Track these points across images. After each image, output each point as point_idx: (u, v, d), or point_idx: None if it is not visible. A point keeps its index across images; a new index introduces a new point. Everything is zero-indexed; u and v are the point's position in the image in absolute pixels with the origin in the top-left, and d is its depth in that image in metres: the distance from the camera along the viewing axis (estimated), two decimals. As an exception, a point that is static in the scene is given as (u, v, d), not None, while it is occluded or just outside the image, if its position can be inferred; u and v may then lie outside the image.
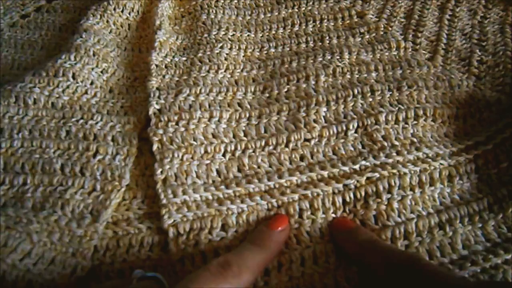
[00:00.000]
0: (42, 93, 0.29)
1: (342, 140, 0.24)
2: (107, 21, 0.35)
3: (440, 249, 0.21)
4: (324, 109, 0.25)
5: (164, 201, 0.22)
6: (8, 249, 0.20)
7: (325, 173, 0.22)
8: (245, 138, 0.24)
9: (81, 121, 0.28)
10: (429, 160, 0.23)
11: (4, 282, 0.20)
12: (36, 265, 0.21)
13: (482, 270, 0.21)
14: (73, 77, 0.30)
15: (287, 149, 0.24)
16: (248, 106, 0.26)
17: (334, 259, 0.21)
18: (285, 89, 0.26)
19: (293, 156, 0.23)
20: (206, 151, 0.23)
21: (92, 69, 0.31)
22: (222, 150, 0.23)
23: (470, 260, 0.21)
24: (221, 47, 0.31)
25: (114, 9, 0.35)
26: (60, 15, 0.39)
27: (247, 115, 0.25)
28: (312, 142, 0.24)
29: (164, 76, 0.29)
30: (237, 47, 0.32)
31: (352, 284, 0.20)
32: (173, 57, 0.31)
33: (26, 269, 0.20)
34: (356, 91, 0.26)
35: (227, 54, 0.31)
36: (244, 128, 0.24)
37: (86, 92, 0.30)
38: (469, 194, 0.23)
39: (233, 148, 0.23)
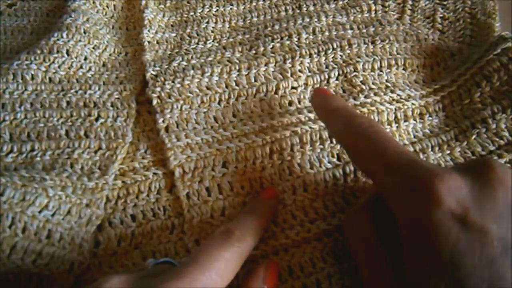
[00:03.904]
0: (39, 69, 0.30)
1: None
2: (93, 2, 0.36)
3: (416, 173, 0.24)
4: (308, 60, 0.27)
5: (169, 145, 0.24)
6: (26, 203, 0.22)
7: (312, 115, 0.25)
8: (237, 87, 0.26)
9: (80, 91, 0.29)
10: (403, 100, 0.26)
11: (27, 231, 0.22)
12: (54, 216, 0.23)
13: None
14: (67, 54, 0.31)
15: (276, 95, 0.26)
16: (237, 61, 0.28)
17: (323, 187, 0.23)
18: (270, 46, 0.29)
19: (283, 102, 0.26)
20: (202, 101, 0.26)
21: (85, 45, 0.32)
22: (217, 99, 0.26)
23: (441, 180, 0.24)
24: (207, 22, 0.34)
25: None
26: (47, 2, 0.40)
27: (237, 68, 0.27)
28: (299, 89, 0.27)
29: (157, 51, 0.31)
30: (222, 20, 0.34)
31: (338, 207, 0.23)
32: (163, 33, 0.33)
33: (45, 220, 0.22)
34: (335, 45, 0.28)
35: (213, 27, 0.33)
36: (235, 79, 0.27)
37: (81, 67, 0.31)
38: (438, 128, 0.26)
39: (227, 96, 0.26)
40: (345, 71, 0.27)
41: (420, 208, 0.16)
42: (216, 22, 0.34)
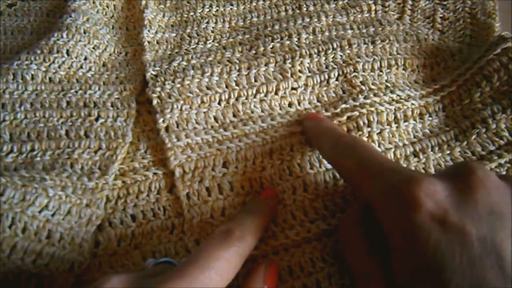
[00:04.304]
0: (39, 69, 0.30)
1: (325, 88, 0.27)
2: (93, 2, 0.36)
3: (416, 173, 0.24)
4: (308, 60, 0.27)
5: (169, 145, 0.24)
6: (27, 203, 0.22)
7: None
8: (237, 87, 0.26)
9: (80, 91, 0.29)
10: (402, 100, 0.26)
11: (27, 231, 0.22)
12: (54, 216, 0.23)
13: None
14: (67, 54, 0.31)
15: (277, 96, 0.26)
16: (237, 61, 0.28)
17: (323, 187, 0.23)
18: (270, 46, 0.29)
19: (283, 103, 0.26)
20: (202, 101, 0.26)
21: (85, 45, 0.32)
22: (217, 99, 0.26)
23: (441, 180, 0.24)
24: (207, 22, 0.34)
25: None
26: (46, 2, 0.40)
27: (237, 68, 0.27)
28: (299, 90, 0.27)
29: (157, 51, 0.31)
30: (222, 20, 0.34)
31: (338, 207, 0.23)
32: (163, 33, 0.33)
33: (45, 220, 0.22)
34: (335, 45, 0.28)
35: (213, 27, 0.33)
36: (235, 79, 0.27)
37: (81, 67, 0.31)
38: (438, 128, 0.27)
39: (227, 96, 0.26)
40: (345, 71, 0.27)
41: (401, 212, 0.16)
42: (216, 22, 0.34)
